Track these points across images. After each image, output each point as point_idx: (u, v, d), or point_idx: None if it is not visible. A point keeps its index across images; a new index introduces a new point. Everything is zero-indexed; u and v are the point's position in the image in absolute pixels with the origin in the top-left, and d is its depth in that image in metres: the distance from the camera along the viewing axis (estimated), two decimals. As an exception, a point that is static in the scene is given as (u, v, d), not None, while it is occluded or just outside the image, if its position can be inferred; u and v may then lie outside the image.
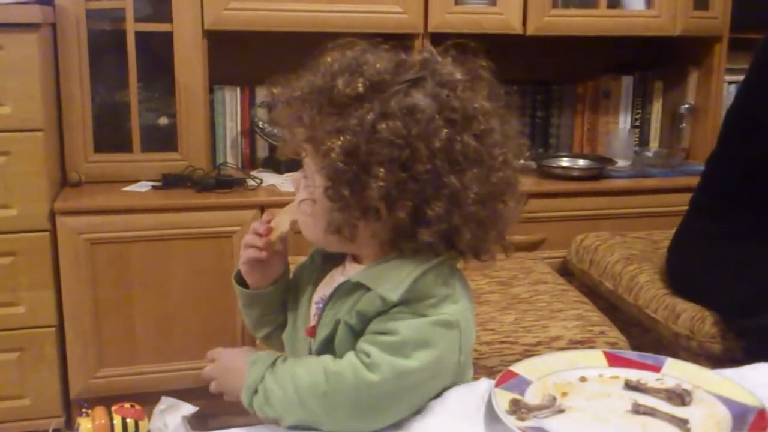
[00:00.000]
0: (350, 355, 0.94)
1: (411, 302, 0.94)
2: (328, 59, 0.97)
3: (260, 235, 1.07)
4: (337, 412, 0.92)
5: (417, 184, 0.91)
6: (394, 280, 0.94)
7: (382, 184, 0.90)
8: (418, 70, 0.95)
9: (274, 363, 0.98)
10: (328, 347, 0.99)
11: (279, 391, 0.95)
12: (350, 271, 1.03)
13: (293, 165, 2.45)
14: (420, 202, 0.92)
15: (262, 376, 0.97)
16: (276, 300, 1.14)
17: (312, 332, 1.05)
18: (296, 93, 0.96)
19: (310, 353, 1.03)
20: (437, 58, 0.98)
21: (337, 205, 0.93)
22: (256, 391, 0.97)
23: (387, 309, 0.94)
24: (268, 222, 1.08)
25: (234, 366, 1.03)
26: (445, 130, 0.92)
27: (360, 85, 0.92)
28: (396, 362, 0.91)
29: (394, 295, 0.93)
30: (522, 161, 1.05)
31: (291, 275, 1.16)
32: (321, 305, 1.04)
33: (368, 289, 0.96)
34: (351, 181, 0.91)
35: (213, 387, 1.09)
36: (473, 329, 1.03)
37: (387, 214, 0.93)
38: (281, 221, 1.07)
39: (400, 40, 1.02)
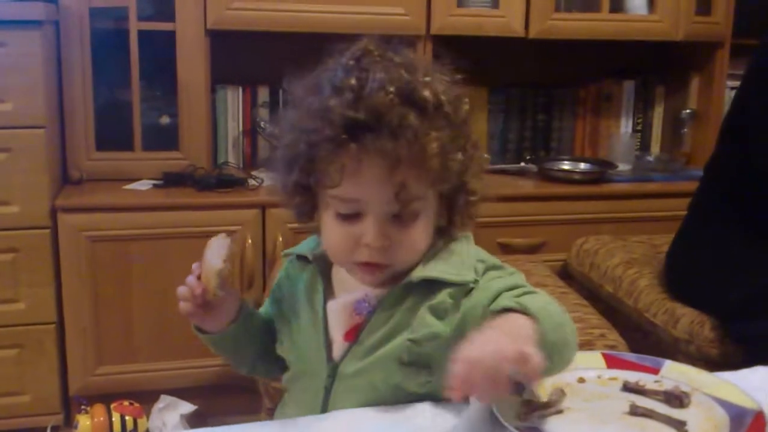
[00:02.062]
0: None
1: (485, 272, 0.99)
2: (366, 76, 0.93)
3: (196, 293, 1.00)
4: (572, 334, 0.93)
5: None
6: (458, 265, 0.98)
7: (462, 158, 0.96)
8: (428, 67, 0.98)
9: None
10: (376, 349, 0.98)
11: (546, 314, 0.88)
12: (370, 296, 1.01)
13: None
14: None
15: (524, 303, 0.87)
16: (242, 334, 1.08)
17: (352, 336, 1.01)
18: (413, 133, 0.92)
19: (330, 360, 1.01)
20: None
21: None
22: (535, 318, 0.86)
23: (466, 292, 0.97)
24: (199, 277, 1.00)
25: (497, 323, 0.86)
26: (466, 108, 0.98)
27: (428, 91, 0.93)
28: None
29: (470, 277, 0.97)
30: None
31: (270, 294, 1.13)
32: (364, 307, 1.01)
33: (427, 285, 0.97)
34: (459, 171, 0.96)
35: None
36: None
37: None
38: (211, 267, 0.98)
39: (402, 43, 1.01)
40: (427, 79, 0.94)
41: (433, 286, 0.97)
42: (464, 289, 0.97)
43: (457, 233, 1.01)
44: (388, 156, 0.90)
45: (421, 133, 0.91)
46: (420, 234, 0.97)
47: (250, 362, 1.14)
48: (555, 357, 0.87)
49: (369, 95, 0.90)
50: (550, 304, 0.91)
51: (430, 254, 0.99)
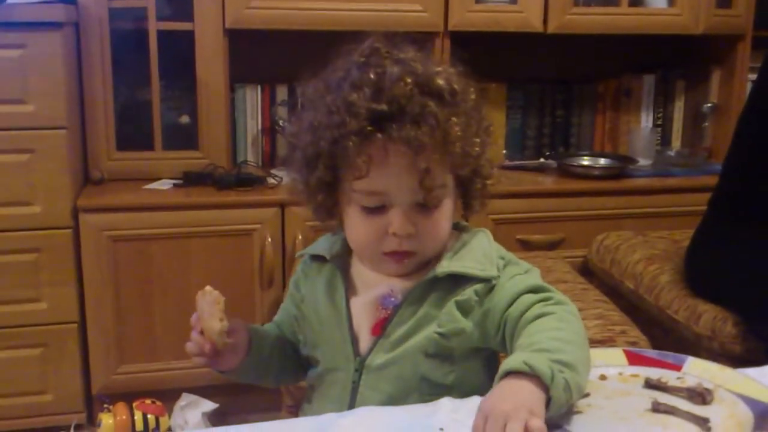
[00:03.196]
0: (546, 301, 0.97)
1: (504, 267, 1.01)
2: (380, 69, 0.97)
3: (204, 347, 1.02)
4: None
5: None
6: (480, 259, 1.01)
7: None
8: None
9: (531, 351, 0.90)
10: (403, 341, 1.01)
11: (565, 355, 0.87)
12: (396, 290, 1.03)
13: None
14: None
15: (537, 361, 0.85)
16: (259, 361, 1.11)
17: (379, 330, 1.03)
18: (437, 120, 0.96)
19: (357, 355, 1.04)
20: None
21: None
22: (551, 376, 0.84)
23: (489, 289, 0.99)
24: (201, 331, 1.02)
25: (505, 395, 0.83)
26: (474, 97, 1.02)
27: (443, 80, 0.97)
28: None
29: (494, 272, 0.99)
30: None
31: (289, 297, 1.15)
32: (390, 302, 1.03)
33: (452, 280, 0.99)
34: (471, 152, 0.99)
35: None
36: None
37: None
38: (212, 329, 1.00)
39: (420, 39, 1.02)
40: (439, 69, 0.99)
41: (458, 280, 1.00)
42: (488, 286, 1.00)
43: (471, 219, 1.05)
44: (412, 143, 0.93)
45: (442, 120, 0.95)
46: (444, 221, 1.01)
47: (274, 378, 1.17)
48: (574, 395, 0.89)
49: (389, 87, 0.94)
50: (562, 331, 0.91)
51: (455, 248, 1.03)
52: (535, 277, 1.01)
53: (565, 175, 2.56)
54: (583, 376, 0.91)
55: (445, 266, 1.00)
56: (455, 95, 0.97)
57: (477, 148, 1.00)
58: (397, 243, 0.99)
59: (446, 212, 1.01)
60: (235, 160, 2.49)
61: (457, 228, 1.07)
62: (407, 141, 0.93)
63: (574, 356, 0.89)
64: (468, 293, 1.00)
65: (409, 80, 0.95)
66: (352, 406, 1.03)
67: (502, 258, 1.03)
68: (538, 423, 0.78)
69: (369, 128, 0.94)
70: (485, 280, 1.00)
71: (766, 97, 1.79)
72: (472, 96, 1.01)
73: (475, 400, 0.89)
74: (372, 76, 0.95)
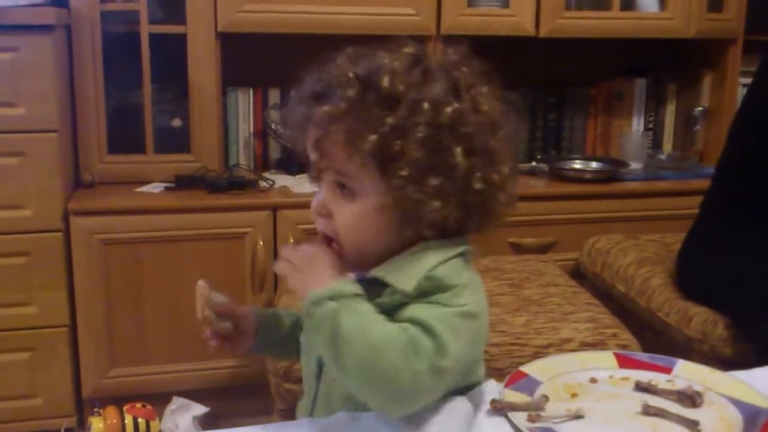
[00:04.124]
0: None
1: (429, 293, 0.93)
2: (340, 62, 0.97)
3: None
4: (380, 371, 0.89)
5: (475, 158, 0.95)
6: (410, 271, 0.94)
7: (461, 160, 0.93)
8: (430, 61, 0.97)
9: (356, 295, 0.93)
10: None
11: (349, 324, 0.90)
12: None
13: (305, 167, 2.46)
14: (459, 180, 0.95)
15: (342, 295, 0.92)
16: (272, 341, 1.16)
17: None
18: (342, 105, 0.94)
19: None
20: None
21: (429, 195, 0.93)
22: (324, 302, 0.92)
23: (407, 302, 0.94)
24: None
25: (318, 264, 0.97)
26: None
27: (387, 80, 0.93)
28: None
29: (408, 286, 0.93)
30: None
31: None
32: None
33: (386, 285, 0.95)
34: (436, 168, 0.93)
35: (282, 271, 0.99)
36: (488, 322, 1.03)
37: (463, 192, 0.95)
38: (198, 314, 1.06)
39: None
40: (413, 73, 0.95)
41: (381, 286, 0.96)
42: (402, 298, 0.94)
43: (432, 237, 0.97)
44: (318, 118, 0.95)
45: (359, 108, 0.93)
46: (360, 216, 0.97)
47: (298, 355, 1.16)
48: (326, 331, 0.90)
49: (333, 74, 0.97)
50: (369, 331, 0.90)
51: (397, 257, 0.97)
52: (439, 317, 0.92)
53: (557, 178, 2.56)
54: (346, 352, 0.89)
55: (373, 271, 0.98)
56: (398, 98, 0.93)
57: (452, 160, 0.93)
58: (317, 223, 1.00)
59: (365, 209, 0.96)
60: (227, 164, 2.49)
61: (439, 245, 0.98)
62: (317, 116, 0.95)
63: (353, 343, 0.89)
64: (386, 298, 0.95)
65: (357, 71, 0.94)
66: (315, 398, 1.06)
67: (433, 279, 0.94)
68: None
69: (308, 104, 0.97)
70: (399, 291, 0.94)
71: (760, 101, 1.80)
72: (446, 111, 0.94)
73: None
74: (331, 69, 0.97)
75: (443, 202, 0.94)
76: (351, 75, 0.94)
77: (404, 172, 0.92)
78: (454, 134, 0.94)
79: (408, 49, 0.98)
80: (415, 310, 0.92)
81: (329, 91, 0.95)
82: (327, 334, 0.90)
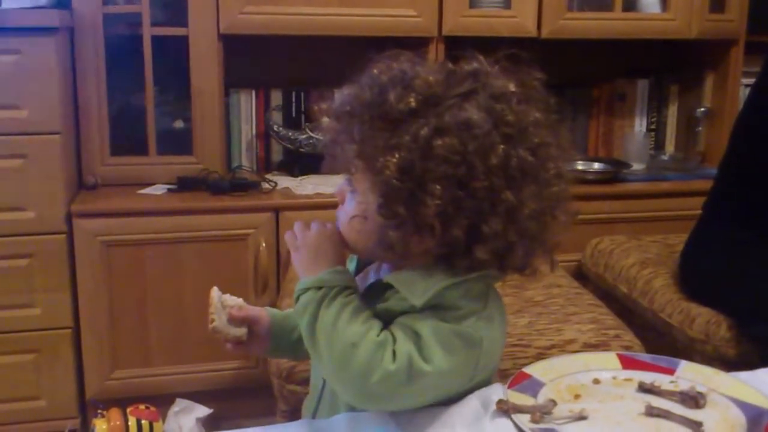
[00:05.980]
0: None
1: (436, 309, 0.93)
2: (375, 71, 0.94)
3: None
4: (348, 368, 0.90)
5: (473, 200, 0.89)
6: (423, 286, 0.93)
7: (438, 201, 0.88)
8: (471, 83, 0.93)
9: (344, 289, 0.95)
10: None
11: (328, 315, 0.92)
12: (384, 271, 1.04)
13: (308, 168, 2.46)
14: (476, 218, 0.90)
15: (325, 291, 0.94)
16: (286, 344, 1.16)
17: None
18: (345, 108, 0.93)
19: None
20: (487, 69, 0.96)
21: (392, 223, 0.90)
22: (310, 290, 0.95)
23: (412, 312, 0.93)
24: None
25: (321, 247, 0.99)
26: (502, 146, 0.90)
27: (413, 99, 0.90)
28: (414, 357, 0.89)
29: (418, 301, 0.92)
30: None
31: None
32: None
33: (397, 291, 0.95)
34: (406, 199, 0.89)
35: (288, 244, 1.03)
36: (499, 352, 1.01)
37: (442, 231, 0.90)
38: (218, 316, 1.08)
39: (414, 44, 1.01)
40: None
41: (389, 291, 0.96)
42: (409, 308, 0.94)
43: (462, 268, 0.93)
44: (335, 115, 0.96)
45: (375, 112, 0.91)
46: (347, 215, 0.98)
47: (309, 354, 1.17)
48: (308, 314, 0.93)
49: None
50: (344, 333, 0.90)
51: (414, 268, 0.95)
52: (432, 327, 0.91)
53: (560, 179, 2.55)
54: (322, 344, 0.92)
55: (388, 276, 0.97)
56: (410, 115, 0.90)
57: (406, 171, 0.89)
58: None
59: (354, 211, 0.96)
60: (229, 165, 2.49)
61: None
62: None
63: (328, 336, 0.91)
64: (393, 303, 0.95)
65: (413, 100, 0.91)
66: (321, 398, 1.07)
67: (442, 298, 0.92)
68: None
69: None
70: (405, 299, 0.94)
71: (763, 102, 1.80)
72: (472, 142, 0.89)
73: None
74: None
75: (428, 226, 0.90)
76: (412, 101, 0.89)
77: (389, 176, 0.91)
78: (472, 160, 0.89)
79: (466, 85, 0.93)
80: (412, 318, 0.93)
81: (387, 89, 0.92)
82: (306, 322, 0.93)
